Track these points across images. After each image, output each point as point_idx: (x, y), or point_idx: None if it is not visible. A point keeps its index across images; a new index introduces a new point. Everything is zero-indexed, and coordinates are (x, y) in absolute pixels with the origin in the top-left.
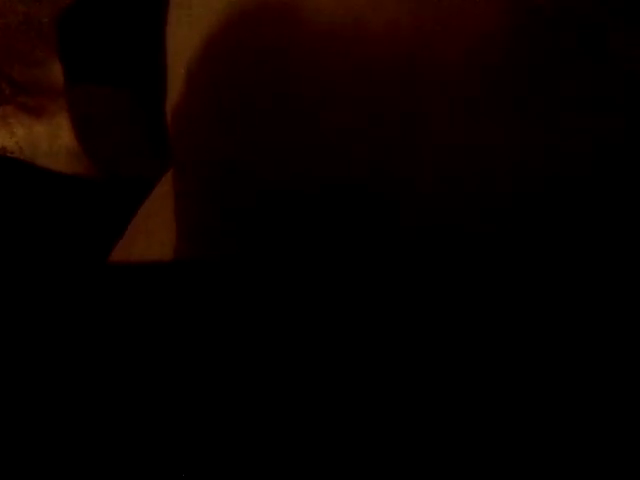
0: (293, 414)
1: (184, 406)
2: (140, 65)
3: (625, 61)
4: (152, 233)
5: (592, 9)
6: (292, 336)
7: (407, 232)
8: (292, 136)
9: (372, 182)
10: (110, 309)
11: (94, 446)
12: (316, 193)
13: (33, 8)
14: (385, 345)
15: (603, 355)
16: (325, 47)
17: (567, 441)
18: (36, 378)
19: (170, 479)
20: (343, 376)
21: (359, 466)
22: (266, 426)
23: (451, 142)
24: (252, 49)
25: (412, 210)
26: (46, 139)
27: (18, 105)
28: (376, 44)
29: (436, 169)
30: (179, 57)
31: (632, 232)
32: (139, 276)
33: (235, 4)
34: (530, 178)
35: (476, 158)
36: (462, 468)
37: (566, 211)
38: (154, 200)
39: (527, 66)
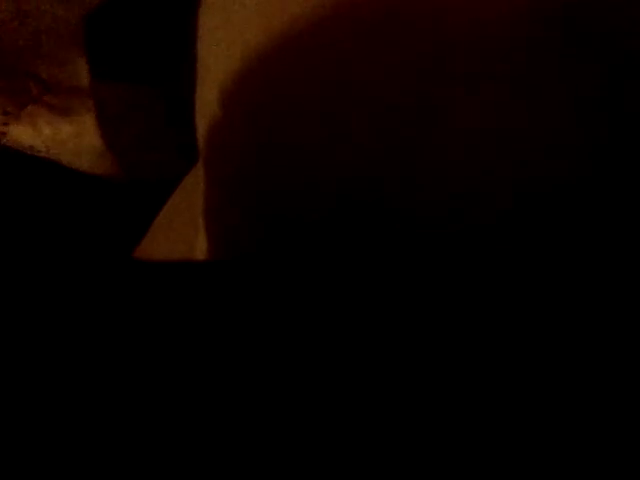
0: (299, 413)
1: (196, 404)
2: (165, 64)
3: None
4: (175, 232)
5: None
6: (307, 336)
7: (416, 232)
8: (317, 135)
9: (388, 181)
10: (131, 309)
11: (96, 443)
12: (349, 189)
13: (60, 9)
14: (387, 344)
15: (603, 355)
16: (353, 47)
17: (567, 441)
18: (52, 376)
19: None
20: (348, 376)
21: (359, 466)
22: (272, 426)
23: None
24: (284, 48)
25: (423, 210)
26: (72, 138)
27: (45, 105)
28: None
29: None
30: (213, 61)
31: (630, 232)
32: (160, 276)
33: (269, 3)
34: (531, 178)
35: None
36: (462, 468)
37: (566, 208)
38: (177, 199)
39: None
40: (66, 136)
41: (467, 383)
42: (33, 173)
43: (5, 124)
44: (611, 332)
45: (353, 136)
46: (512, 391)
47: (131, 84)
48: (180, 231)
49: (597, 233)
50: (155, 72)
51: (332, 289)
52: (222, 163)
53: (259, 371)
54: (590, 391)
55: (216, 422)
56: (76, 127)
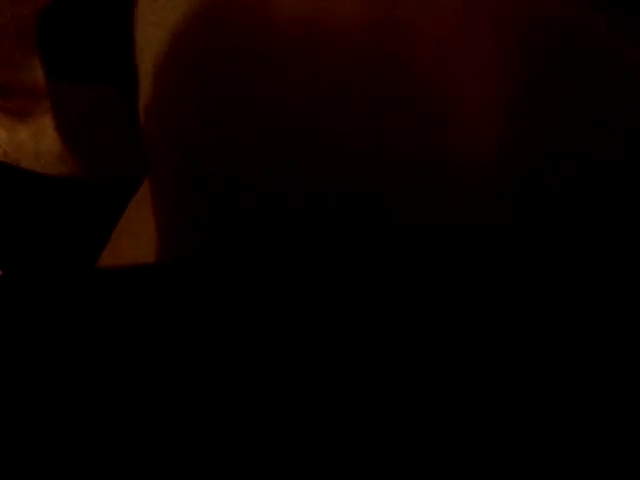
0: (291, 415)
1: (180, 408)
2: (120, 63)
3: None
4: (138, 233)
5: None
6: (281, 337)
7: (402, 228)
8: (261, 131)
9: (359, 183)
10: (98, 312)
11: (92, 449)
12: (300, 191)
13: (11, 9)
14: (383, 343)
15: (604, 356)
16: (297, 35)
17: (567, 441)
18: (24, 382)
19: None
20: (340, 375)
21: (358, 466)
22: (264, 427)
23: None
24: (218, 43)
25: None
26: (31, 142)
27: (0, 108)
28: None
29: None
30: (147, 54)
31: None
32: (125, 280)
33: None
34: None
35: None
36: (461, 469)
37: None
38: (139, 200)
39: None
40: (24, 139)
41: (466, 383)
42: None
43: None
44: (611, 333)
45: (299, 131)
46: (511, 391)
47: (88, 83)
48: (143, 232)
49: (596, 236)
50: (113, 70)
51: (299, 287)
52: (163, 162)
53: (227, 369)
54: (590, 391)
55: (203, 424)
56: (34, 130)
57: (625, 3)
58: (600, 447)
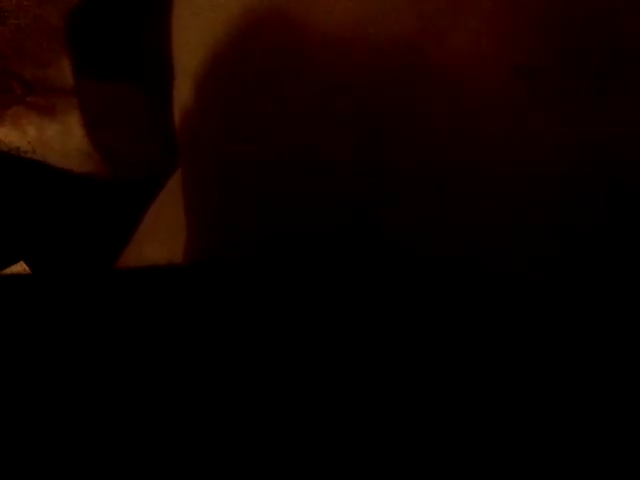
0: (295, 419)
1: (190, 407)
2: (149, 62)
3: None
4: (161, 232)
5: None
6: (296, 338)
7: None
8: (294, 138)
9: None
10: (117, 312)
11: (94, 448)
12: (318, 208)
13: (43, 9)
14: (382, 348)
15: (604, 357)
16: (334, 49)
17: (567, 442)
18: (37, 382)
19: None
20: (341, 378)
21: (357, 468)
22: (267, 429)
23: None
24: (258, 48)
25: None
26: (58, 139)
27: (29, 105)
28: (379, 50)
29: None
30: (185, 54)
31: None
32: (146, 280)
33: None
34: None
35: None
36: (461, 469)
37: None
38: (163, 199)
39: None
40: (52, 136)
41: (466, 385)
42: (21, 174)
43: None
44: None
45: (325, 136)
46: (511, 392)
47: (116, 82)
48: (166, 231)
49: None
50: (140, 69)
51: (314, 293)
52: (198, 162)
53: (246, 369)
54: (591, 392)
55: (212, 425)
56: (61, 127)
57: None
58: (598, 446)
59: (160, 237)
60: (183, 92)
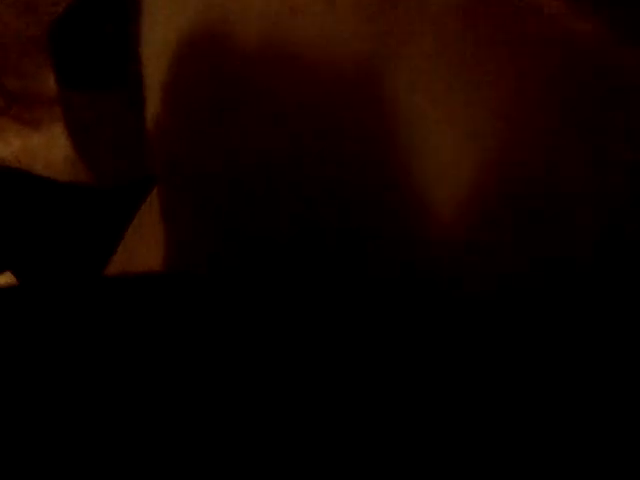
0: (290, 426)
1: (183, 412)
2: (132, 71)
3: None
4: (149, 239)
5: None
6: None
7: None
8: (270, 143)
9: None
10: (106, 319)
11: (92, 452)
12: (305, 200)
13: (23, 20)
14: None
15: (605, 358)
16: (309, 50)
17: (567, 443)
18: (29, 390)
19: None
20: (340, 375)
21: (357, 469)
22: (262, 436)
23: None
24: (223, 53)
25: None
26: (43, 149)
27: (13, 117)
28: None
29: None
30: (153, 62)
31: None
32: (137, 287)
33: (208, 6)
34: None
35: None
36: (461, 470)
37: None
38: (150, 205)
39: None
40: (36, 147)
41: (465, 386)
42: (5, 184)
43: None
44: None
45: (305, 143)
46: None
47: (99, 91)
48: (151, 240)
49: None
50: (123, 78)
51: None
52: (170, 171)
53: (230, 377)
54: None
55: (204, 432)
56: (46, 137)
57: None
58: (598, 446)
59: (147, 244)
60: (153, 103)
